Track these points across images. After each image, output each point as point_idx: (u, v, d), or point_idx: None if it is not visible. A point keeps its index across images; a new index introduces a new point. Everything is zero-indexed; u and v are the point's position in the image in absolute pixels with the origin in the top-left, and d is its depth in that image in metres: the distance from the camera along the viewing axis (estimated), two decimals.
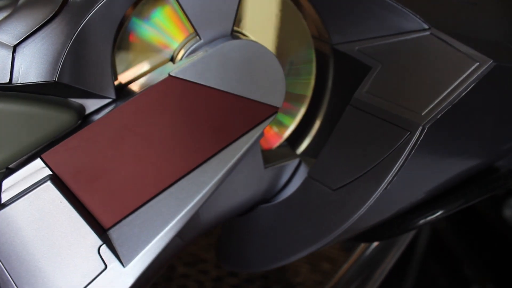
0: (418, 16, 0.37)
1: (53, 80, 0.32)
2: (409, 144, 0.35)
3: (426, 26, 0.37)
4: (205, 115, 0.36)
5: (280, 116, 0.43)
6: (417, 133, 0.35)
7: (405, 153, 0.35)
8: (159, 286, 0.87)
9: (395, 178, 0.36)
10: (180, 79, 0.35)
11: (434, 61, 0.37)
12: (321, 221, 0.38)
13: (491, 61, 0.35)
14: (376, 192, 0.36)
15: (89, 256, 0.34)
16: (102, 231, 0.35)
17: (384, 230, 0.44)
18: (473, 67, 0.35)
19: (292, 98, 0.43)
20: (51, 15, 0.33)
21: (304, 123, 0.43)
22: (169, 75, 0.35)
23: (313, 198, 0.38)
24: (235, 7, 0.37)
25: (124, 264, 0.35)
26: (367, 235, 0.44)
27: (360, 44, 0.38)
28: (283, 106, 0.42)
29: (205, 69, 0.36)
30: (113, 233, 0.35)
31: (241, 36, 0.39)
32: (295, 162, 0.42)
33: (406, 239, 0.53)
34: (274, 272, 0.88)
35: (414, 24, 0.37)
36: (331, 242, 0.38)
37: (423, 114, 0.35)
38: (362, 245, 0.53)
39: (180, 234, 0.40)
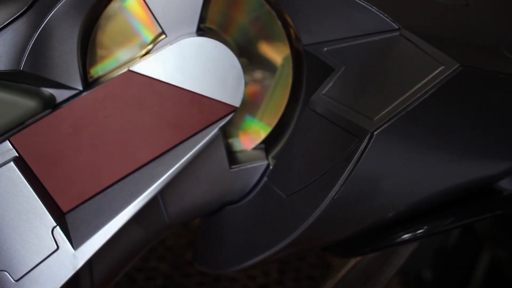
0: (386, 16, 0.35)
1: (19, 69, 0.35)
2: (357, 151, 0.33)
3: (395, 26, 0.35)
4: (161, 110, 0.37)
5: (258, 117, 0.43)
6: (365, 140, 0.32)
7: (353, 161, 0.33)
8: (205, 286, 0.89)
9: (359, 188, 0.34)
10: (138, 74, 0.37)
11: (399, 63, 0.34)
12: (273, 227, 0.37)
13: (458, 64, 0.32)
14: (325, 201, 0.34)
15: (43, 236, 0.37)
16: (60, 215, 0.37)
17: (361, 244, 0.42)
18: (437, 71, 0.33)
19: (271, 99, 0.42)
20: (22, 10, 0.36)
21: (281, 125, 0.42)
22: (128, 70, 0.37)
23: (268, 203, 0.38)
24: (200, 5, 0.37)
25: (74, 247, 0.37)
26: (341, 249, 0.42)
27: (329, 45, 0.37)
28: (262, 106, 0.42)
29: (162, 65, 0.36)
30: (69, 217, 0.38)
31: (207, 34, 0.39)
32: (263, 165, 0.41)
33: (403, 254, 0.49)
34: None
35: (383, 25, 0.35)
36: (286, 250, 0.37)
37: (374, 120, 0.33)
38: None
39: (144, 226, 0.41)
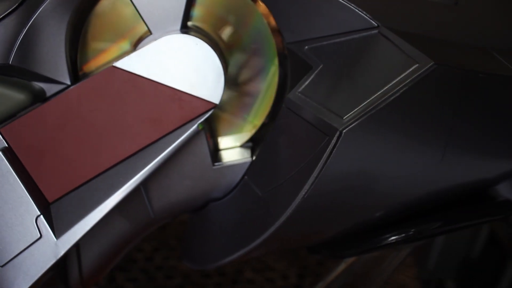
0: (365, 13, 0.34)
1: (8, 63, 0.37)
2: (326, 149, 0.32)
3: (374, 24, 0.34)
4: (142, 106, 0.38)
5: (251, 116, 0.43)
6: (334, 139, 0.32)
7: (322, 159, 0.33)
8: (223, 287, 0.90)
9: (330, 187, 0.34)
10: (121, 70, 0.38)
11: (375, 62, 0.34)
12: (250, 225, 0.37)
13: (432, 62, 0.31)
14: (295, 200, 0.34)
15: (27, 224, 0.38)
16: (45, 204, 0.39)
17: (348, 246, 0.41)
18: (411, 69, 0.32)
19: (264, 99, 0.42)
20: (13, 7, 0.37)
21: (267, 124, 0.42)
22: (112, 66, 0.38)
23: (246, 201, 0.38)
24: (183, 3, 0.38)
25: (56, 236, 0.38)
26: (328, 250, 0.42)
27: (310, 43, 0.36)
28: (255, 106, 0.42)
29: (144, 62, 0.37)
30: (54, 207, 0.39)
31: (192, 32, 0.39)
32: (247, 163, 0.41)
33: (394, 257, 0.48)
34: None
35: (363, 23, 0.34)
36: (262, 248, 0.37)
37: (344, 118, 0.32)
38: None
39: (129, 220, 0.42)
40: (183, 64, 0.37)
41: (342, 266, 0.48)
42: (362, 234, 0.41)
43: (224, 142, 0.43)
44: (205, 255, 0.41)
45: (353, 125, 0.32)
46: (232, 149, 0.43)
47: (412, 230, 0.40)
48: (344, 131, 0.32)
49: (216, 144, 0.43)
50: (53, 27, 0.38)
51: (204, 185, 0.41)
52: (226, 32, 0.41)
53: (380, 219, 0.39)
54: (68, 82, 0.39)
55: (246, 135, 0.43)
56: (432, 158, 0.35)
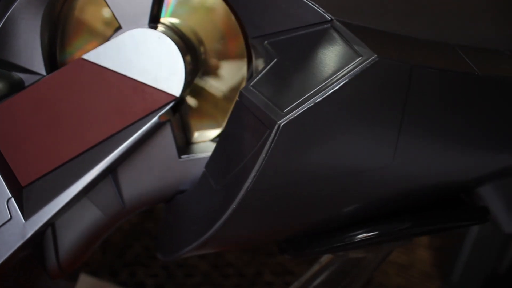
0: (317, 6, 0.34)
1: None
2: (267, 143, 0.32)
3: (328, 18, 0.34)
4: (108, 97, 0.39)
5: (216, 109, 0.43)
6: (273, 132, 0.32)
7: (263, 152, 0.32)
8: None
9: (274, 182, 0.33)
10: (89, 62, 0.39)
11: (324, 56, 0.33)
12: (203, 218, 0.37)
13: (374, 55, 0.31)
14: (240, 194, 0.33)
15: None
16: (18, 188, 0.41)
17: (310, 244, 0.40)
18: (354, 62, 0.31)
19: (227, 92, 0.43)
20: None
21: None
22: (80, 58, 0.39)
23: (203, 193, 0.38)
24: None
25: (25, 218, 0.40)
26: (292, 249, 0.41)
27: (270, 38, 0.36)
28: (223, 99, 0.43)
29: (110, 54, 0.39)
30: (26, 191, 0.41)
31: (161, 27, 0.40)
32: None
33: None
34: None
35: (317, 16, 0.34)
36: (213, 242, 0.37)
37: (284, 111, 0.32)
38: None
39: (101, 208, 0.43)
40: (146, 57, 0.38)
41: (316, 267, 0.47)
42: (326, 233, 0.40)
43: (197, 136, 0.44)
44: (169, 246, 0.42)
45: (291, 118, 0.31)
46: (203, 143, 0.44)
47: (379, 230, 0.39)
48: (282, 124, 0.31)
49: (189, 138, 0.44)
50: (28, 20, 0.40)
51: (171, 177, 0.42)
52: (199, 29, 0.42)
53: (342, 219, 0.39)
54: (44, 73, 0.41)
55: (218, 129, 0.44)
56: (383, 155, 0.34)
